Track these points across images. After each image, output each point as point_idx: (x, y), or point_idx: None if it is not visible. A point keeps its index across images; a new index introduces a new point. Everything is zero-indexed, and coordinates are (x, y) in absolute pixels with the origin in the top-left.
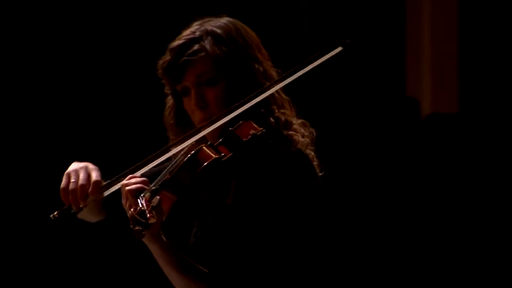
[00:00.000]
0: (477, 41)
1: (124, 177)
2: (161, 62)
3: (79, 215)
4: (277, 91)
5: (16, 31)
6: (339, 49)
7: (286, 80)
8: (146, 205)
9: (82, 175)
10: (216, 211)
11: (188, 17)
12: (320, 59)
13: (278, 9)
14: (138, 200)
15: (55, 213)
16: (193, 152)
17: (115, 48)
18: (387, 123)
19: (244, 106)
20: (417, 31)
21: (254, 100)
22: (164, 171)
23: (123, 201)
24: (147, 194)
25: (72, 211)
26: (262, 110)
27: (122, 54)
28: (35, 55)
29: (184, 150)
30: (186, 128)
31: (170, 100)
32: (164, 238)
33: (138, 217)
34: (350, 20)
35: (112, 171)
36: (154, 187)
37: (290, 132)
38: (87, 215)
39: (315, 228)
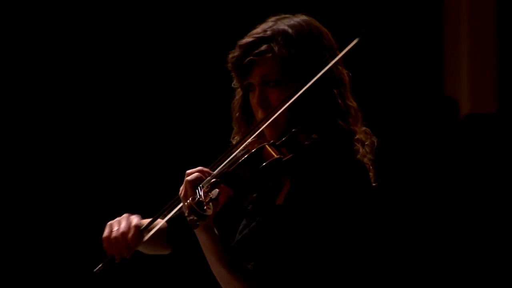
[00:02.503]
0: None
1: (161, 216)
2: (230, 56)
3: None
4: (342, 97)
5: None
6: (356, 40)
7: (313, 79)
8: (205, 196)
9: (123, 224)
10: (266, 210)
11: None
12: (340, 54)
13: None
14: (197, 190)
15: (100, 266)
16: (255, 149)
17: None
18: (425, 123)
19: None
20: (455, 31)
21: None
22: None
23: (180, 190)
24: (206, 186)
25: (116, 261)
26: (326, 118)
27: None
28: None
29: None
30: (251, 121)
31: (239, 93)
32: (215, 230)
33: (195, 208)
34: (388, 21)
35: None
36: (214, 180)
37: (351, 142)
38: (145, 249)
39: (362, 236)
